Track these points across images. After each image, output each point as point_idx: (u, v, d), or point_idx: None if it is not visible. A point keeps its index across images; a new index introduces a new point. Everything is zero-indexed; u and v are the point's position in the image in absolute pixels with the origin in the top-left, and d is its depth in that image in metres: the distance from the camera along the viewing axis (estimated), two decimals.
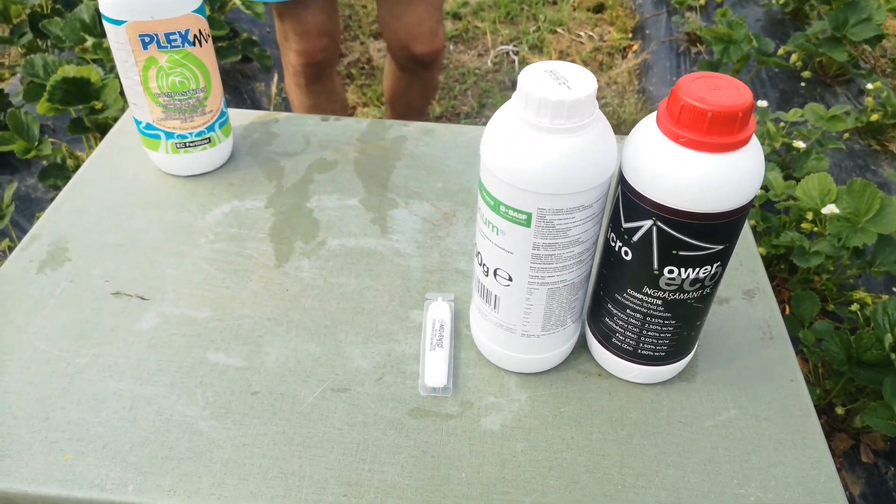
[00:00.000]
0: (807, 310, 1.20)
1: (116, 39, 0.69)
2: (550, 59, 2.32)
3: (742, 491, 0.53)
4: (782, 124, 1.57)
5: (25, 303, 0.66)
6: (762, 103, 1.60)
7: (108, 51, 1.50)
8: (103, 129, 1.42)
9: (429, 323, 0.64)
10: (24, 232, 1.42)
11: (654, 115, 0.49)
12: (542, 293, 0.53)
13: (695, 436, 0.57)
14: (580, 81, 0.46)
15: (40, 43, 1.78)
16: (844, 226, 1.17)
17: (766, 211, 1.39)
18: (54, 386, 0.59)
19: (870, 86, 1.76)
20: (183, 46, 0.71)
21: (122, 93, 1.35)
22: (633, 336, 0.56)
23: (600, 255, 0.56)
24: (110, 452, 0.54)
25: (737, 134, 0.45)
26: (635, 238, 0.50)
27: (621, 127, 1.94)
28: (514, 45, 2.38)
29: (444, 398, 0.59)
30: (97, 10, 1.59)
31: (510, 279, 0.53)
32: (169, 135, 0.76)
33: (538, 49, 2.37)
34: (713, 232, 0.48)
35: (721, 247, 0.49)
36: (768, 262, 1.37)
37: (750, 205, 0.48)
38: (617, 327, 0.57)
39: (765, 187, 1.34)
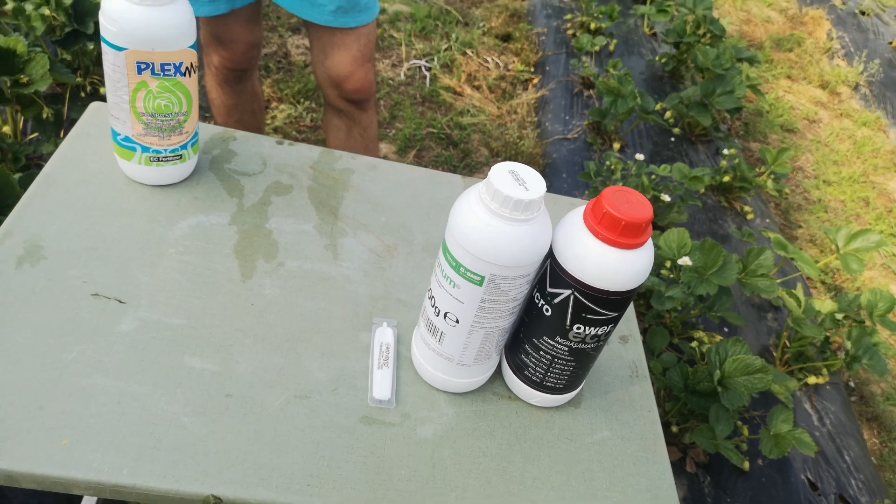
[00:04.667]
0: (657, 343, 1.44)
1: (114, 63, 0.76)
2: (460, 81, 2.48)
3: (608, 494, 0.71)
4: (654, 177, 1.82)
5: (6, 296, 0.72)
6: (639, 156, 1.85)
7: (29, 18, 1.48)
8: (23, 101, 1.41)
9: (376, 345, 0.77)
10: None
11: (581, 209, 0.65)
12: (480, 334, 0.68)
13: (577, 450, 0.74)
14: (534, 184, 0.61)
15: None
16: (694, 276, 1.42)
17: None
18: (45, 378, 0.66)
19: (726, 151, 2.07)
20: (174, 76, 0.79)
21: (50, 70, 1.35)
22: (541, 371, 0.72)
23: (524, 305, 0.72)
24: (104, 441, 0.63)
25: (639, 238, 0.62)
26: (556, 301, 0.66)
27: (518, 158, 2.14)
28: (427, 61, 2.52)
29: (388, 409, 0.72)
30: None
31: (457, 321, 0.67)
32: (145, 149, 0.83)
33: (449, 68, 2.53)
34: (614, 303, 0.65)
35: (617, 314, 0.67)
36: None
37: (640, 286, 0.66)
38: (529, 363, 0.73)
39: None
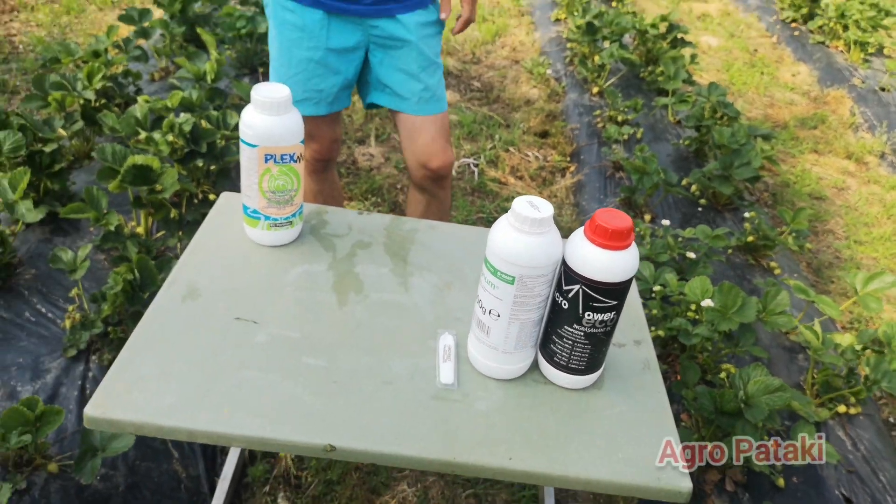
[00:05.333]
0: (690, 377, 1.63)
1: (249, 156, 1.08)
2: (504, 172, 2.81)
3: (624, 447, 0.92)
4: (680, 239, 2.05)
5: (177, 322, 1.01)
6: (665, 222, 2.09)
7: (157, 143, 1.87)
8: (155, 205, 1.78)
9: (441, 346, 1.02)
10: (91, 283, 1.71)
11: (581, 228, 0.91)
12: (516, 325, 0.93)
13: (600, 419, 0.96)
14: (545, 208, 0.87)
15: (87, 131, 2.14)
16: (716, 315, 1.62)
17: (664, 303, 1.83)
18: (209, 372, 0.93)
19: (747, 215, 2.29)
20: (289, 163, 1.10)
21: (179, 179, 1.71)
22: (566, 355, 0.96)
23: (549, 306, 0.96)
24: (251, 411, 0.89)
25: (624, 241, 0.87)
26: (570, 295, 0.91)
27: (561, 231, 2.40)
28: (475, 159, 2.86)
29: (452, 390, 0.96)
30: (150, 110, 1.97)
31: (499, 315, 0.92)
32: (267, 217, 1.14)
33: (494, 164, 2.86)
34: (612, 293, 0.89)
35: (616, 302, 0.90)
36: (665, 342, 1.80)
37: (631, 279, 0.90)
38: (557, 350, 0.96)
39: (662, 284, 1.79)
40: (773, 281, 1.96)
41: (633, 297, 1.19)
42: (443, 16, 1.57)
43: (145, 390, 0.90)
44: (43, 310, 1.65)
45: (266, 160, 1.08)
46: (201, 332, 0.99)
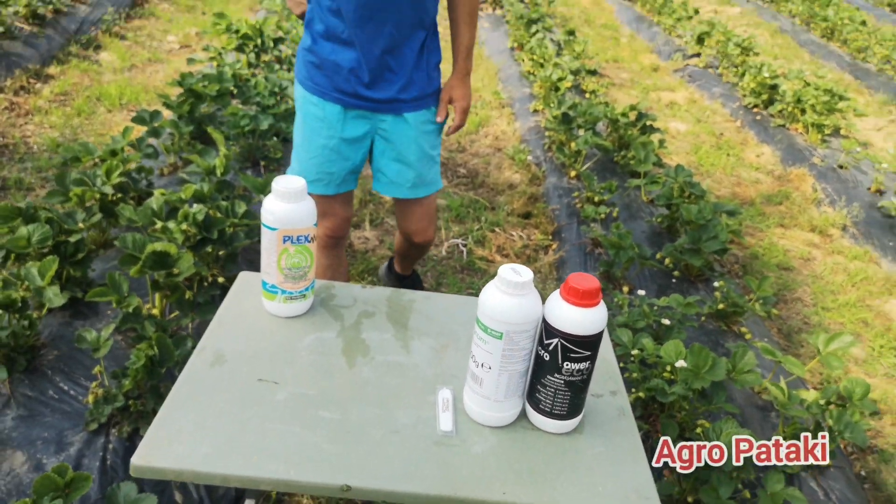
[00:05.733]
0: (669, 432, 1.75)
1: (269, 238, 1.25)
2: (491, 251, 2.99)
3: (603, 482, 1.05)
4: (655, 307, 2.21)
5: (208, 383, 1.14)
6: (641, 292, 2.26)
7: (172, 231, 2.04)
8: (171, 287, 1.93)
9: (440, 399, 1.16)
10: (109, 362, 1.83)
11: (558, 290, 1.07)
12: (505, 375, 1.07)
13: (582, 458, 1.09)
14: (525, 274, 1.04)
15: (104, 222, 2.31)
16: (689, 374, 1.77)
17: (642, 366, 1.97)
18: (236, 427, 1.07)
19: (717, 284, 2.47)
20: (304, 243, 1.27)
21: (195, 263, 1.88)
22: (549, 402, 1.10)
23: (533, 359, 1.11)
24: (276, 458, 1.02)
25: (593, 300, 1.03)
26: (550, 347, 1.06)
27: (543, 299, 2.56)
28: (463, 239, 3.05)
29: (451, 437, 1.10)
30: (166, 202, 2.15)
31: (490, 368, 1.07)
32: (283, 292, 1.30)
33: (481, 243, 3.06)
34: (586, 345, 1.04)
35: (590, 353, 1.06)
36: (645, 403, 1.93)
37: (602, 332, 1.05)
38: (541, 397, 1.10)
39: (640, 348, 1.94)
40: (743, 344, 2.12)
41: (608, 352, 1.34)
42: (438, 119, 1.83)
43: (183, 442, 1.03)
44: (65, 387, 1.77)
45: (284, 241, 1.25)
46: (229, 391, 1.13)
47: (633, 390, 1.89)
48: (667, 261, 2.70)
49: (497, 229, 3.21)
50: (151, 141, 2.90)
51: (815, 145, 4.54)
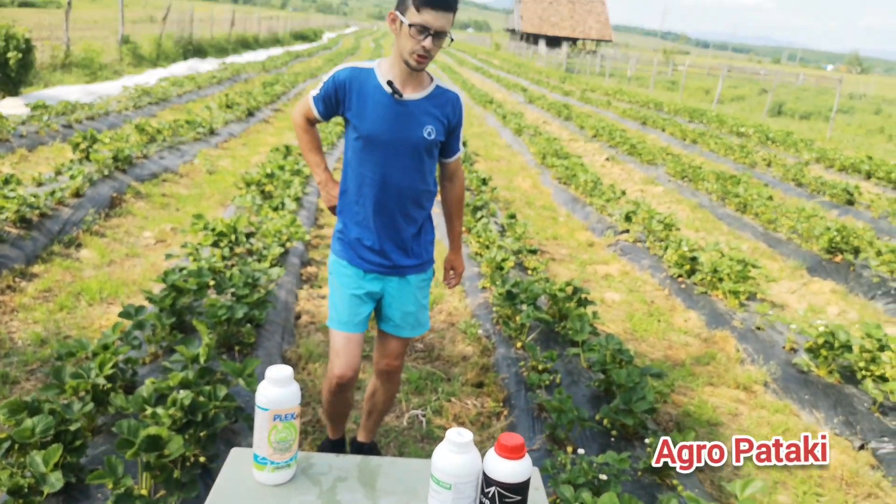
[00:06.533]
0: None
1: (263, 417, 1.55)
2: (448, 420, 3.27)
3: None
4: (594, 464, 2.49)
5: None
6: (581, 451, 2.55)
7: (160, 416, 2.29)
8: (160, 468, 2.15)
9: None
10: None
11: (493, 448, 1.39)
12: None
13: None
14: (467, 436, 1.36)
15: (98, 410, 2.54)
16: None
17: None
18: None
19: (647, 441, 2.78)
20: (290, 420, 1.57)
21: (184, 444, 2.12)
22: None
23: None
24: None
25: (519, 454, 1.35)
26: (489, 495, 1.36)
27: None
28: (422, 410, 3.33)
29: None
30: (155, 390, 2.42)
31: None
32: (272, 462, 1.57)
33: (439, 413, 3.33)
34: (517, 490, 1.35)
35: (521, 497, 1.35)
36: None
37: (528, 480, 1.36)
38: None
39: (581, 502, 2.20)
40: (673, 495, 2.39)
41: (541, 500, 1.63)
42: (449, 287, 2.57)
43: None
44: None
45: (274, 419, 1.55)
46: None
47: None
48: (605, 421, 3.02)
49: (453, 399, 3.51)
50: (136, 333, 3.19)
51: (734, 309, 5.07)
